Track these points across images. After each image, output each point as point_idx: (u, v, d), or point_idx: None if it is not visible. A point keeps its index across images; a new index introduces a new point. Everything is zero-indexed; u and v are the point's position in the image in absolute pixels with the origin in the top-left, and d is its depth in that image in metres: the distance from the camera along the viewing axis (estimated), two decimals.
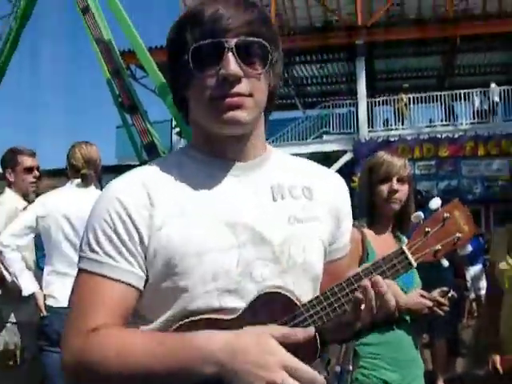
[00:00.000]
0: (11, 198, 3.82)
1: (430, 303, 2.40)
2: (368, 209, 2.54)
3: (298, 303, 1.08)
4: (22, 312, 3.64)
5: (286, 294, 1.09)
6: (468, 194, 16.88)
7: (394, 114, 18.84)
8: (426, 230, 1.15)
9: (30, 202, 3.94)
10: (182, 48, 1.11)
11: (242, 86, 1.09)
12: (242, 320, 1.06)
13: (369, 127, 18.51)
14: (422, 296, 2.41)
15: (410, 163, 11.85)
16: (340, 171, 17.74)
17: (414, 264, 1.14)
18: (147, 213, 1.10)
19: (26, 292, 3.46)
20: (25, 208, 3.79)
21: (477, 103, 18.39)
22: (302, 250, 1.16)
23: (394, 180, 2.46)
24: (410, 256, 1.12)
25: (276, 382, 0.93)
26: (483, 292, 8.19)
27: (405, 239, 2.58)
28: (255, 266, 1.11)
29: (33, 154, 3.96)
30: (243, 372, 0.94)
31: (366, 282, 1.08)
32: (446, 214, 1.15)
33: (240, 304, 1.09)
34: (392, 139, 17.50)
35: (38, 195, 4.08)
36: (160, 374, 0.99)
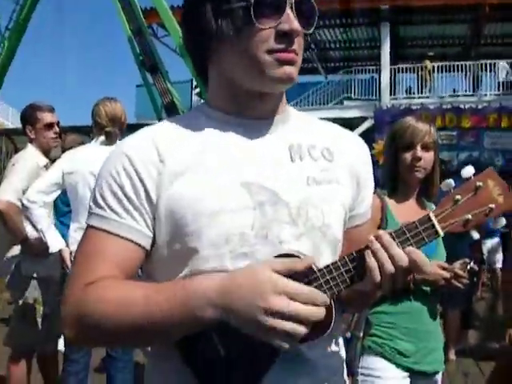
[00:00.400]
0: (32, 154, 3.81)
1: (448, 275, 2.32)
2: (391, 176, 2.46)
3: (314, 268, 1.02)
4: (42, 267, 3.67)
5: (302, 257, 1.03)
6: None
7: (417, 81, 18.53)
8: (456, 198, 1.06)
9: (51, 158, 3.95)
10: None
11: (296, 43, 1.07)
12: None
13: (391, 94, 18.26)
14: (441, 267, 2.34)
15: None
16: (360, 137, 17.53)
17: (441, 233, 1.06)
18: (155, 170, 1.07)
19: (53, 249, 3.48)
20: (46, 165, 3.81)
21: (502, 74, 18.02)
22: (320, 213, 1.11)
23: (418, 147, 2.36)
24: (436, 224, 1.05)
25: (273, 309, 0.90)
26: (499, 265, 8.14)
27: (433, 206, 2.50)
28: (271, 228, 1.07)
29: (52, 110, 3.93)
30: (240, 308, 0.92)
31: (371, 238, 1.02)
32: (478, 183, 1.07)
33: None
34: (414, 107, 17.24)
35: (64, 151, 4.10)
36: (160, 323, 0.97)
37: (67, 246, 3.49)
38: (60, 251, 3.50)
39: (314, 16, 1.10)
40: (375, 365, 2.30)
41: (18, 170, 3.66)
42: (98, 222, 1.09)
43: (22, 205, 3.42)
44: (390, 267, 1.00)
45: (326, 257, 1.12)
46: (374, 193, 2.40)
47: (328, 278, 1.02)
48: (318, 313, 0.93)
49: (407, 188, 2.45)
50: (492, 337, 6.07)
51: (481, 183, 1.07)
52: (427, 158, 2.38)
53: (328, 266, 1.03)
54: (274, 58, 1.05)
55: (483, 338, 6.54)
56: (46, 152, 3.93)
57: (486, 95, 17.97)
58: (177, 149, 1.09)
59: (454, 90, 18.84)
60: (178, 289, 0.98)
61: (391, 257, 1.00)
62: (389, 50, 18.35)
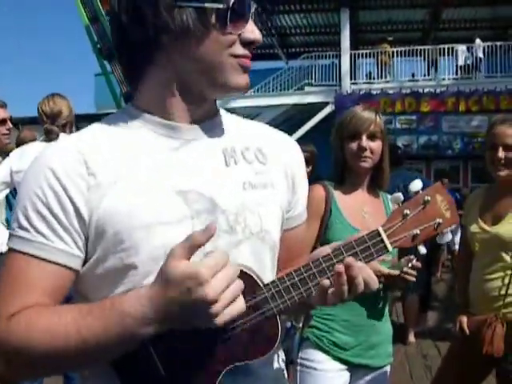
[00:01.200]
0: None
1: (393, 271, 2.24)
2: (338, 167, 2.42)
3: (260, 284, 1.00)
4: None
5: (249, 273, 1.00)
6: (448, 150, 17.04)
7: (377, 66, 18.67)
8: (405, 212, 1.05)
9: (7, 151, 3.87)
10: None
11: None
12: None
13: (351, 80, 18.37)
14: (377, 271, 2.26)
15: (391, 117, 11.92)
16: (321, 123, 17.74)
17: (390, 248, 1.05)
18: (84, 183, 0.98)
19: (2, 247, 3.44)
20: None
21: (461, 59, 18.29)
22: (258, 218, 1.08)
23: (364, 137, 2.32)
24: (385, 239, 1.04)
25: (208, 300, 0.86)
26: (457, 247, 8.30)
27: (386, 196, 2.50)
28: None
29: (4, 105, 3.85)
30: (176, 315, 0.89)
31: (340, 267, 0.99)
32: (426, 197, 1.06)
33: None
34: (374, 92, 17.42)
35: (18, 146, 4.02)
36: (95, 346, 0.91)
37: None
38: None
39: (263, 19, 1.11)
40: (313, 356, 2.28)
41: None
42: (21, 245, 0.98)
43: None
44: (344, 289, 1.00)
45: (266, 262, 1.12)
46: (319, 183, 2.39)
47: (274, 291, 0.99)
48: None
49: (355, 178, 2.41)
50: (451, 318, 6.20)
51: (429, 197, 1.06)
52: (373, 147, 2.33)
53: (274, 281, 1.00)
54: (237, 62, 1.03)
55: (442, 319, 6.68)
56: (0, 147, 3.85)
57: (444, 79, 18.23)
58: (106, 159, 1.01)
59: (413, 75, 19.06)
60: (108, 309, 0.91)
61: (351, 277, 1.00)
62: (349, 36, 18.44)
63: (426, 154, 17.04)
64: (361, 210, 2.33)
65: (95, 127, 1.08)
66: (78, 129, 3.63)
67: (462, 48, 18.28)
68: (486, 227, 2.73)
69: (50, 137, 3.46)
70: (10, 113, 3.89)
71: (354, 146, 2.33)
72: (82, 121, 10.49)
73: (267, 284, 1.00)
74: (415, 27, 21.53)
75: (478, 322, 2.73)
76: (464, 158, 17.06)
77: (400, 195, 1.07)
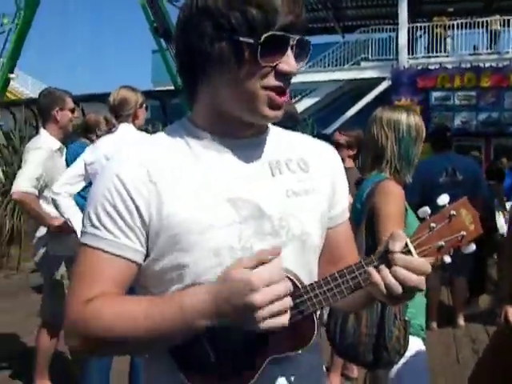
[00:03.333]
0: (46, 140, 3.96)
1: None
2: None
3: (298, 285, 1.10)
4: (66, 246, 3.85)
5: (289, 275, 1.10)
6: (509, 127, 16.46)
7: (434, 40, 18.13)
8: (432, 225, 1.13)
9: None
10: (242, 26, 1.06)
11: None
12: None
13: (409, 54, 17.97)
14: None
15: (450, 93, 11.61)
16: (377, 99, 17.48)
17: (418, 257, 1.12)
18: (146, 189, 1.12)
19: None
20: (59, 148, 3.98)
21: None
22: (299, 222, 1.19)
23: None
24: (413, 250, 1.11)
25: (256, 305, 0.97)
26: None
27: None
28: (255, 241, 1.14)
29: (71, 95, 4.12)
30: (229, 312, 1.00)
31: (370, 270, 1.09)
32: (452, 212, 1.14)
33: None
34: (432, 67, 17.00)
35: (87, 128, 4.26)
36: (158, 334, 1.06)
37: None
38: None
39: (308, 54, 1.15)
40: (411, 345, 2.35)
41: (31, 159, 3.82)
42: (93, 241, 1.13)
43: (49, 198, 3.62)
44: (397, 287, 1.07)
45: (307, 263, 1.23)
46: (391, 180, 2.44)
47: (311, 294, 1.10)
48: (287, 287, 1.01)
49: None
50: None
51: (454, 212, 1.14)
52: None
53: (312, 283, 1.11)
54: (267, 96, 1.10)
55: (495, 303, 6.57)
56: (65, 134, 4.12)
57: (507, 53, 17.59)
58: (164, 169, 1.14)
59: (475, 48, 18.46)
60: (170, 302, 1.05)
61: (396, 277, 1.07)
62: (406, 8, 17.99)
63: (485, 131, 16.56)
64: None
65: (156, 139, 1.22)
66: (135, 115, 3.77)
67: None
68: None
69: (108, 126, 3.63)
70: (73, 91, 4.15)
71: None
72: None
73: (305, 286, 1.11)
74: None
75: None
76: None
77: (427, 209, 1.14)
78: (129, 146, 1.22)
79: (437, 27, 17.98)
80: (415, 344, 2.37)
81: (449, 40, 18.16)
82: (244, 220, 1.14)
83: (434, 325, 5.43)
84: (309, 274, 1.22)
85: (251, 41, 1.05)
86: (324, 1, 20.52)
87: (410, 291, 1.07)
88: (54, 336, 3.94)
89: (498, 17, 18.18)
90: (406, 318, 2.29)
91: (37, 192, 3.74)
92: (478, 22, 18.26)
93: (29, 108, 11.04)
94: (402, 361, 2.34)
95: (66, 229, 3.69)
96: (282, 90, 1.11)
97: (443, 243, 1.13)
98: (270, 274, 1.00)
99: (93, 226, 1.13)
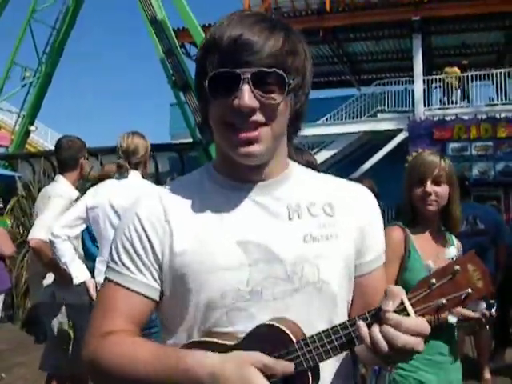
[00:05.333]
0: (66, 188, 3.98)
1: (472, 313, 2.29)
2: (408, 209, 2.50)
3: (293, 339, 1.06)
4: (73, 295, 3.80)
5: (284, 329, 1.07)
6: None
7: (447, 91, 18.19)
8: (432, 281, 1.06)
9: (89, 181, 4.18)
10: (203, 72, 1.12)
11: (258, 116, 1.09)
12: (240, 348, 1.06)
13: (425, 106, 18.08)
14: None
15: (467, 144, 11.55)
16: (394, 151, 17.53)
17: (413, 316, 1.05)
18: (161, 227, 1.16)
19: (76, 280, 3.64)
20: (77, 198, 3.97)
21: None
22: (316, 269, 1.15)
23: (428, 182, 2.40)
24: (409, 308, 1.04)
25: None
26: None
27: (453, 239, 2.55)
28: (266, 285, 1.12)
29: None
30: None
31: (359, 326, 1.05)
32: (456, 267, 1.05)
33: (249, 324, 1.10)
34: (448, 118, 17.06)
35: (100, 179, 4.30)
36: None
37: (93, 277, 3.63)
38: (84, 282, 3.64)
39: (283, 83, 1.10)
40: None
41: (52, 207, 3.81)
42: (113, 275, 1.19)
43: (49, 240, 3.58)
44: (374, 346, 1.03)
45: (320, 311, 1.16)
46: (396, 224, 2.45)
47: (305, 350, 1.05)
48: None
49: (424, 221, 2.49)
50: None
51: (458, 267, 1.05)
52: (439, 191, 2.41)
53: (305, 338, 1.06)
54: (230, 134, 1.11)
55: None
56: (83, 178, 4.18)
57: None
58: (181, 210, 1.18)
59: (490, 99, 18.54)
60: (175, 362, 1.04)
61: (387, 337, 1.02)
62: (421, 60, 18.21)
63: (503, 180, 16.45)
64: (434, 251, 2.37)
65: (179, 180, 1.31)
66: (153, 158, 3.86)
67: None
68: None
69: (120, 171, 3.63)
70: (92, 143, 4.21)
71: (419, 191, 2.43)
72: (158, 150, 10.83)
73: (298, 341, 1.06)
74: (490, 50, 21.01)
75: None
76: None
77: (430, 264, 1.11)
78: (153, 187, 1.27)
79: (447, 77, 18.05)
80: None
81: (459, 91, 18.20)
82: (254, 263, 1.12)
83: None
84: (329, 323, 1.15)
85: (205, 82, 1.10)
86: (340, 55, 20.87)
87: (403, 352, 1.01)
88: None
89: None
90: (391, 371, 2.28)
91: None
92: (492, 74, 18.39)
93: (47, 160, 11.20)
94: None
95: (67, 277, 3.65)
96: (239, 128, 1.09)
97: (444, 301, 1.05)
98: None
99: (113, 261, 1.20)
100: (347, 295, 1.23)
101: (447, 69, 18.27)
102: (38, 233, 3.72)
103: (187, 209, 1.18)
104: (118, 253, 1.19)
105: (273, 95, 1.09)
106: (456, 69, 18.18)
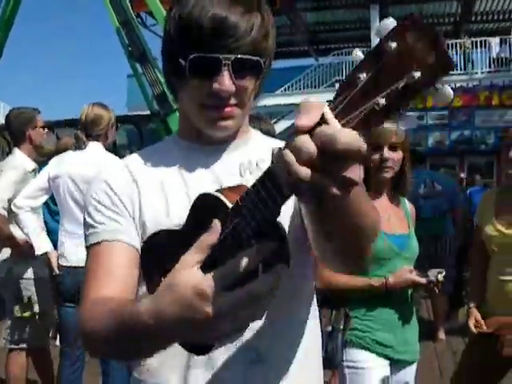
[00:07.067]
0: (21, 160, 3.91)
1: (420, 280, 2.40)
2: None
3: (228, 204, 0.93)
4: (32, 269, 3.78)
5: (216, 195, 0.98)
6: (481, 145, 16.77)
7: None
8: (359, 76, 0.70)
9: (45, 155, 4.09)
10: (180, 50, 1.12)
11: (232, 99, 1.13)
12: (186, 229, 1.08)
13: None
14: (410, 271, 2.41)
15: (423, 113, 11.74)
16: None
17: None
18: (129, 187, 1.21)
19: (38, 251, 3.62)
20: (34, 169, 3.91)
21: (494, 52, 18.00)
22: None
23: (385, 148, 2.44)
24: (332, 121, 0.72)
25: (209, 315, 0.83)
26: None
27: (406, 201, 2.64)
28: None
29: (40, 112, 4.07)
30: (183, 325, 0.89)
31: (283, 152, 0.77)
32: (389, 44, 0.68)
33: None
34: None
35: (57, 152, 4.23)
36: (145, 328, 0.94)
37: (55, 248, 3.62)
38: (47, 253, 3.62)
39: (259, 70, 1.14)
40: (358, 357, 2.41)
41: (4, 180, 3.75)
42: (91, 238, 1.19)
43: (11, 211, 3.54)
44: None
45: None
46: None
47: (244, 208, 0.86)
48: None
49: (378, 186, 2.53)
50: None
51: (392, 43, 0.68)
52: (395, 157, 2.45)
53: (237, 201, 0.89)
54: (207, 112, 1.15)
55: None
56: (40, 151, 4.07)
57: (477, 73, 17.97)
58: (145, 171, 1.24)
59: None
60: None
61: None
62: None
63: (459, 149, 16.83)
64: (385, 215, 2.44)
65: (144, 150, 1.33)
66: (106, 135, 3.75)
67: (495, 40, 17.99)
68: (504, 230, 2.74)
69: (78, 144, 3.60)
70: (46, 116, 4.10)
71: (376, 157, 2.45)
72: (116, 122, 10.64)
73: (232, 206, 0.91)
74: (447, 20, 21.26)
75: (500, 322, 2.74)
76: (498, 153, 16.74)
77: (359, 53, 0.75)
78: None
79: None
80: (361, 357, 2.41)
81: None
82: None
83: None
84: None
85: (183, 62, 1.11)
86: (298, 25, 20.80)
87: (343, 167, 0.74)
88: (24, 362, 3.85)
89: (467, 39, 18.60)
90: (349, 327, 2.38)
91: (6, 213, 3.66)
92: (449, 44, 18.65)
93: (1, 134, 10.92)
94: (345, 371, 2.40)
95: (27, 250, 3.62)
96: (216, 107, 1.14)
97: (382, 101, 0.68)
98: (224, 278, 0.84)
99: (90, 226, 1.20)
100: (301, 240, 1.18)
101: None
102: None
103: (151, 171, 1.24)
104: (91, 217, 1.20)
105: (247, 80, 1.14)
106: None
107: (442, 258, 5.83)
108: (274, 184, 0.79)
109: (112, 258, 1.16)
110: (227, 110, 1.15)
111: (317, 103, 0.76)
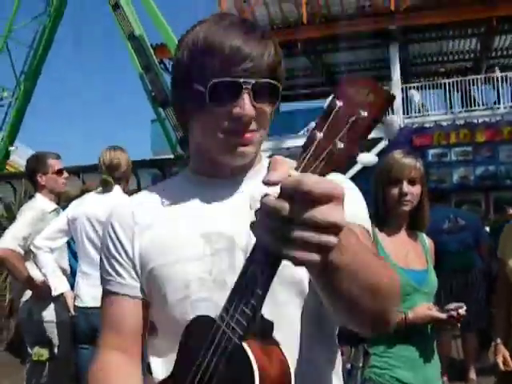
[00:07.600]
0: (40, 202, 3.97)
1: (440, 315, 2.38)
2: (381, 210, 2.54)
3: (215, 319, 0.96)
4: (52, 311, 3.79)
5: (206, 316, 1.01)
6: (506, 180, 16.53)
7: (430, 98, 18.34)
8: (315, 135, 0.84)
9: (67, 200, 4.12)
10: (198, 77, 1.13)
11: (253, 124, 1.15)
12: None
13: (404, 113, 18.24)
14: (428, 309, 2.40)
15: (446, 149, 11.68)
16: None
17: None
18: (130, 230, 1.22)
19: (55, 292, 3.64)
20: (55, 209, 3.96)
21: None
22: None
23: (405, 183, 2.46)
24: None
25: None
26: None
27: (424, 236, 2.60)
28: (228, 274, 1.12)
29: (59, 157, 4.14)
30: None
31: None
32: (334, 102, 0.84)
33: (214, 312, 0.99)
34: (427, 125, 17.23)
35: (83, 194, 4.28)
36: None
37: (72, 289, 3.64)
38: (63, 294, 3.65)
39: (277, 94, 1.17)
40: None
41: (22, 219, 3.82)
42: (105, 285, 1.26)
43: (31, 251, 3.58)
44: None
45: (279, 296, 1.14)
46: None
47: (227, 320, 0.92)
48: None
49: (396, 221, 2.54)
50: None
51: (336, 101, 0.84)
52: (414, 191, 2.47)
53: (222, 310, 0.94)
54: (228, 138, 1.15)
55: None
56: (58, 196, 4.11)
57: (499, 108, 17.87)
58: (148, 209, 1.24)
59: (468, 105, 18.73)
60: None
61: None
62: (399, 69, 18.38)
63: (484, 184, 16.62)
64: (403, 250, 2.42)
65: (150, 188, 1.33)
66: (135, 175, 3.88)
67: None
68: None
69: (106, 188, 3.64)
70: (72, 162, 4.17)
71: (395, 191, 2.47)
72: (141, 167, 10.76)
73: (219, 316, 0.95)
74: (467, 57, 21.29)
75: None
76: None
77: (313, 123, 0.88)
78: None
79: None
80: None
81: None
82: (217, 253, 1.15)
83: (445, 380, 5.31)
84: (296, 306, 1.16)
85: (201, 88, 1.12)
86: (318, 66, 21.02)
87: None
88: None
89: (488, 75, 18.57)
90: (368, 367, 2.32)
91: (22, 252, 3.70)
92: (470, 81, 18.61)
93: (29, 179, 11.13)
94: None
95: (45, 291, 3.65)
96: (236, 132, 1.14)
97: (339, 145, 0.81)
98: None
99: (103, 271, 1.26)
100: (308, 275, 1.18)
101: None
102: (5, 242, 3.72)
103: (154, 208, 1.24)
104: (102, 262, 1.26)
105: (266, 104, 1.16)
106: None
107: (471, 292, 5.70)
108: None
109: (120, 310, 1.22)
110: (247, 135, 1.15)
111: (284, 160, 0.84)
